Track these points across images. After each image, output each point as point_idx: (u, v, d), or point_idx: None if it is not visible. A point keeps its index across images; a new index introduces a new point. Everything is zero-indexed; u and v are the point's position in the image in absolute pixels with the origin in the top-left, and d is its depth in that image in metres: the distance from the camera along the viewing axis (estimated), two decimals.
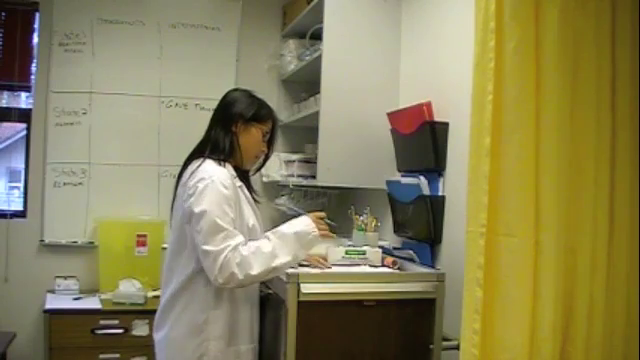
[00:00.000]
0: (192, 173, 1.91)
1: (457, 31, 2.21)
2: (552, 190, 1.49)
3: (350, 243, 2.30)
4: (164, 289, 1.99)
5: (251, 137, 2.03)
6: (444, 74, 2.32)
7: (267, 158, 2.15)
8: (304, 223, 1.97)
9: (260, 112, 2.05)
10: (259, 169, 2.19)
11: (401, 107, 2.54)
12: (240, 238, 1.85)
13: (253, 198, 2.10)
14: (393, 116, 2.51)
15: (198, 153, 2.00)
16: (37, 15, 3.20)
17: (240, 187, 1.97)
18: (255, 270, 1.81)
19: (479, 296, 1.47)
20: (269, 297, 2.05)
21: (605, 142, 1.57)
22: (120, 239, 3.17)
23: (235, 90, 2.15)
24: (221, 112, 2.06)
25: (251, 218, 1.98)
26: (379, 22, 2.69)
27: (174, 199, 2.02)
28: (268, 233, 1.94)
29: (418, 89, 2.51)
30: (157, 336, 1.99)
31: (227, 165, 1.97)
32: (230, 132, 2.01)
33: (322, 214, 2.05)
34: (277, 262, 1.84)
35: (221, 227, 1.82)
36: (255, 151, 2.07)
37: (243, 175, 2.09)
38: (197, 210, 1.83)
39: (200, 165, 1.92)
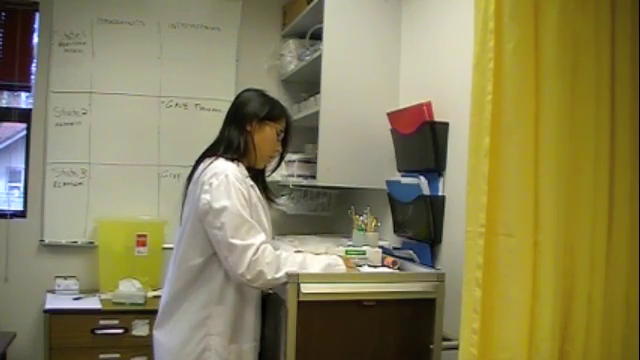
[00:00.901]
0: (204, 170, 1.92)
1: (457, 31, 2.22)
2: (551, 190, 1.49)
3: (350, 243, 2.31)
4: (170, 285, 1.98)
5: (265, 136, 2.05)
6: (444, 74, 2.32)
7: (282, 158, 2.17)
8: (334, 257, 2.01)
9: (274, 111, 2.07)
10: (275, 169, 2.20)
11: (401, 107, 2.54)
12: (263, 235, 1.88)
13: (269, 197, 2.10)
14: (393, 116, 2.51)
15: (211, 152, 2.01)
16: (37, 15, 3.20)
17: (252, 187, 1.98)
18: (283, 272, 1.83)
19: (478, 296, 1.47)
20: (269, 297, 2.05)
21: (604, 142, 1.57)
22: (120, 239, 3.17)
23: (248, 90, 2.16)
24: (234, 112, 2.07)
25: (263, 217, 2.00)
26: (379, 22, 2.69)
27: (185, 197, 2.02)
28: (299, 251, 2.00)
29: (418, 89, 2.51)
30: (159, 332, 1.99)
31: (240, 164, 1.98)
32: (244, 131, 2.03)
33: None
34: (305, 272, 1.87)
35: (244, 219, 1.85)
36: (270, 150, 2.08)
37: (258, 175, 2.10)
38: (216, 206, 1.84)
39: (212, 162, 1.94)
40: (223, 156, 1.97)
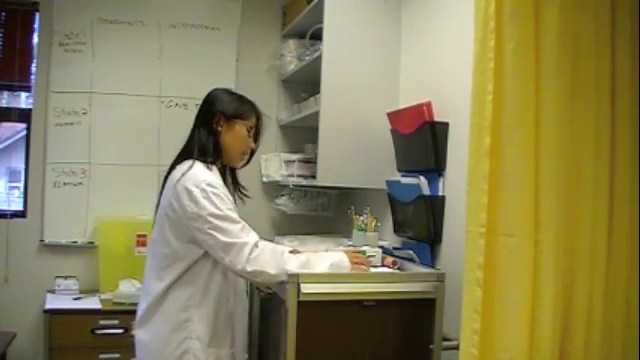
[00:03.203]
0: (182, 175, 1.90)
1: (457, 31, 2.22)
2: (552, 190, 1.49)
3: (350, 243, 2.31)
4: (151, 286, 1.96)
5: (235, 134, 2.02)
6: (444, 74, 2.32)
7: (253, 153, 2.13)
8: (339, 256, 2.00)
9: (241, 108, 2.03)
10: (245, 164, 2.16)
11: (401, 107, 2.54)
12: (255, 234, 1.87)
13: (243, 194, 2.10)
14: (393, 116, 2.51)
15: (186, 155, 1.99)
16: (37, 15, 3.20)
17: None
18: (286, 270, 1.84)
19: (479, 296, 1.47)
20: (269, 297, 2.05)
21: (605, 142, 1.57)
22: (120, 239, 3.17)
23: (216, 89, 2.11)
24: (203, 112, 2.04)
25: None
26: (379, 22, 2.69)
27: (160, 199, 2.00)
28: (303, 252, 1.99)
29: (418, 89, 2.51)
30: (140, 331, 1.96)
31: (214, 168, 1.96)
32: (213, 131, 2.00)
33: (359, 249, 2.12)
34: (309, 272, 1.87)
35: (234, 220, 1.85)
36: (241, 148, 2.05)
37: (230, 173, 2.09)
38: (204, 213, 1.82)
39: (190, 168, 1.91)
40: (199, 160, 1.95)
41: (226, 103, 2.03)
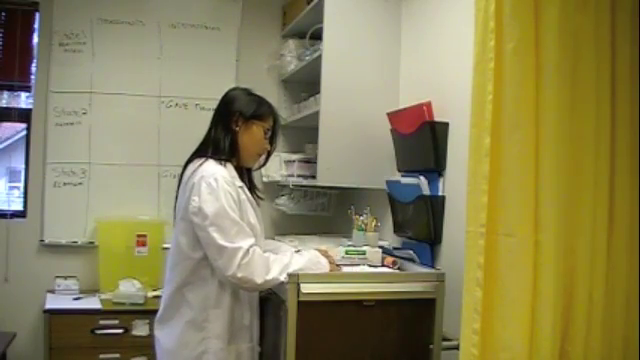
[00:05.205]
0: (193, 172, 1.92)
1: (457, 31, 2.22)
2: (552, 190, 1.49)
3: (350, 243, 2.30)
4: (168, 286, 1.99)
5: (252, 135, 2.04)
6: (444, 74, 2.32)
7: (269, 155, 2.15)
8: (314, 253, 2.02)
9: (260, 109, 2.05)
10: (262, 166, 2.19)
11: (401, 107, 2.54)
12: (252, 239, 1.87)
13: (257, 195, 2.10)
14: (393, 116, 2.51)
15: (200, 153, 2.01)
16: (37, 15, 3.20)
17: (241, 187, 1.98)
18: (273, 274, 1.85)
19: (479, 296, 1.47)
20: (269, 297, 2.05)
21: (605, 142, 1.57)
22: (120, 239, 3.17)
23: (234, 89, 2.14)
24: (221, 111, 2.06)
25: (252, 217, 1.98)
26: (379, 22, 2.69)
27: (177, 199, 2.02)
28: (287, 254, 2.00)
29: (418, 89, 2.51)
30: (159, 332, 2.00)
31: (228, 165, 1.97)
32: (231, 131, 2.02)
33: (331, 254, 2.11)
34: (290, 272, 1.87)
35: (233, 222, 1.85)
36: (257, 149, 2.07)
37: (246, 173, 2.10)
38: (205, 209, 1.84)
39: (201, 165, 1.93)
40: (212, 157, 1.97)
41: (245, 103, 2.04)
